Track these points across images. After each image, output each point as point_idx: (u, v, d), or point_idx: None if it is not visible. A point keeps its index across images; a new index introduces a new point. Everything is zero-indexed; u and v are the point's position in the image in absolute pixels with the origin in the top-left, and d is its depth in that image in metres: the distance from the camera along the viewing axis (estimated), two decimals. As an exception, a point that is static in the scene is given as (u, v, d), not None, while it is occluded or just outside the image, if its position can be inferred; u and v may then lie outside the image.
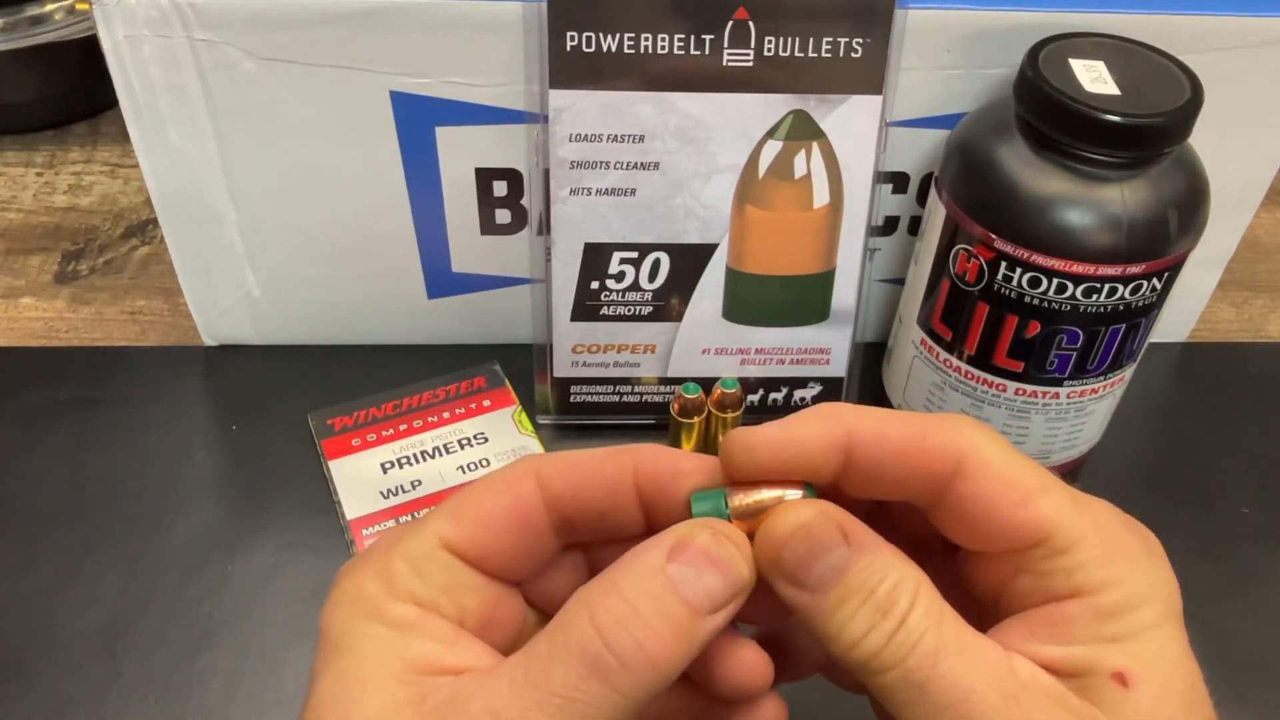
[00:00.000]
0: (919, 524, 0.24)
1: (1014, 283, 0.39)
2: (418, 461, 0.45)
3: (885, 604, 0.21)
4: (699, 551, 0.21)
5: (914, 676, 0.20)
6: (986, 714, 0.20)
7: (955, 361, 0.42)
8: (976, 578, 0.24)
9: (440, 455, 0.45)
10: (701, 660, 0.23)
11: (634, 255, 0.44)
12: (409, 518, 0.43)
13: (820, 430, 0.23)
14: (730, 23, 0.40)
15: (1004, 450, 0.23)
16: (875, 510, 0.25)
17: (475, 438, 0.46)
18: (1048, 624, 0.22)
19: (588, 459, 0.23)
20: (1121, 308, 0.39)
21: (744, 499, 0.23)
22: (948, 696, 0.20)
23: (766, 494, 0.23)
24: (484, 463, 0.45)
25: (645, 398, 0.48)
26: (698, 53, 0.40)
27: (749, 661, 0.23)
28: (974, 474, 0.22)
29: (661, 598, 0.20)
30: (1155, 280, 0.38)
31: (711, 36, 0.40)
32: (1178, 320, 0.54)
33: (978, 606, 0.24)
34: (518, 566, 0.23)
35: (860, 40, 0.40)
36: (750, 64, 0.41)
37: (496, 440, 0.46)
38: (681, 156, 0.42)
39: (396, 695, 0.20)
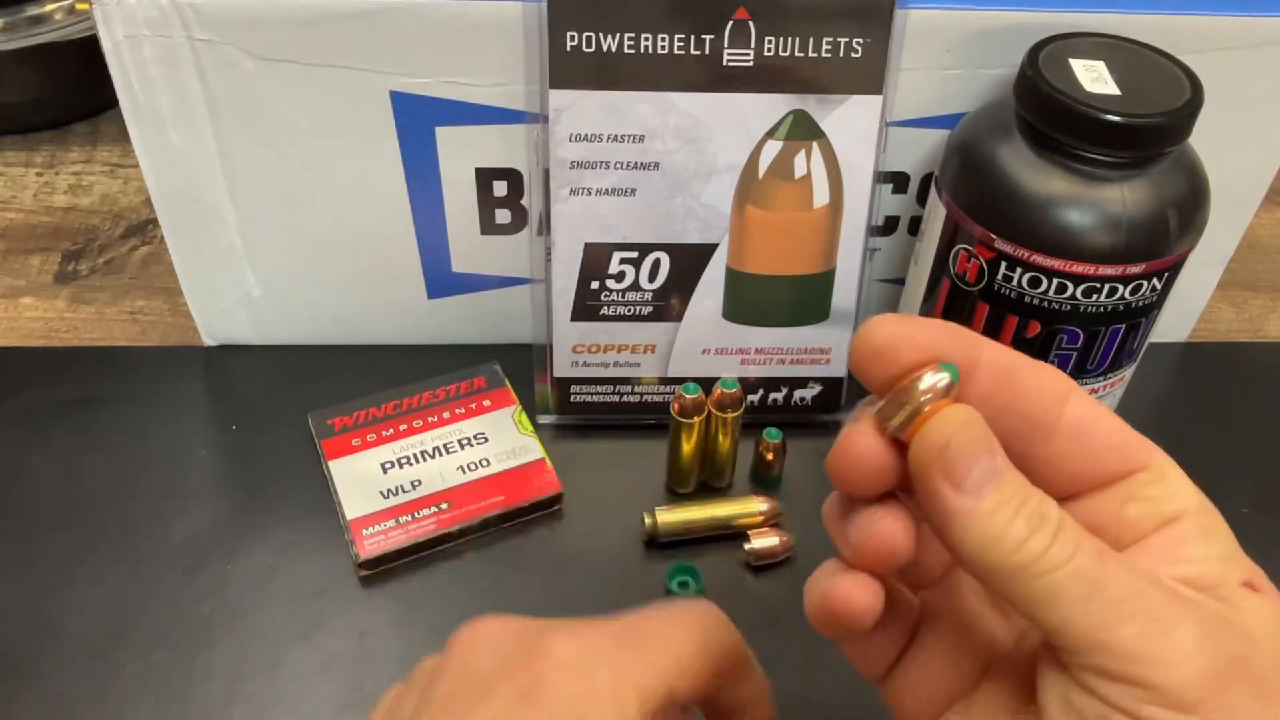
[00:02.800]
0: None
1: (1014, 283, 0.39)
2: (418, 461, 0.45)
3: (1039, 513, 0.21)
4: None
5: (1088, 572, 0.21)
6: (1157, 609, 0.20)
7: (955, 361, 0.42)
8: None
9: (440, 455, 0.45)
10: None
11: (634, 255, 0.44)
12: (409, 518, 0.43)
13: (960, 328, 0.23)
14: (730, 23, 0.40)
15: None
16: None
17: (475, 438, 0.46)
18: (1163, 547, 0.23)
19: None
20: (1121, 308, 0.39)
21: (912, 385, 0.22)
22: (1125, 590, 0.21)
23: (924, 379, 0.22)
24: (484, 463, 0.45)
25: (645, 398, 0.48)
26: (698, 53, 0.40)
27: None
28: (1084, 397, 0.23)
29: None
30: (1155, 280, 0.38)
31: (711, 36, 0.40)
32: (1178, 320, 0.54)
33: None
34: None
35: (860, 40, 0.40)
36: (750, 64, 0.41)
37: (496, 440, 0.46)
38: (681, 156, 0.42)
39: None
